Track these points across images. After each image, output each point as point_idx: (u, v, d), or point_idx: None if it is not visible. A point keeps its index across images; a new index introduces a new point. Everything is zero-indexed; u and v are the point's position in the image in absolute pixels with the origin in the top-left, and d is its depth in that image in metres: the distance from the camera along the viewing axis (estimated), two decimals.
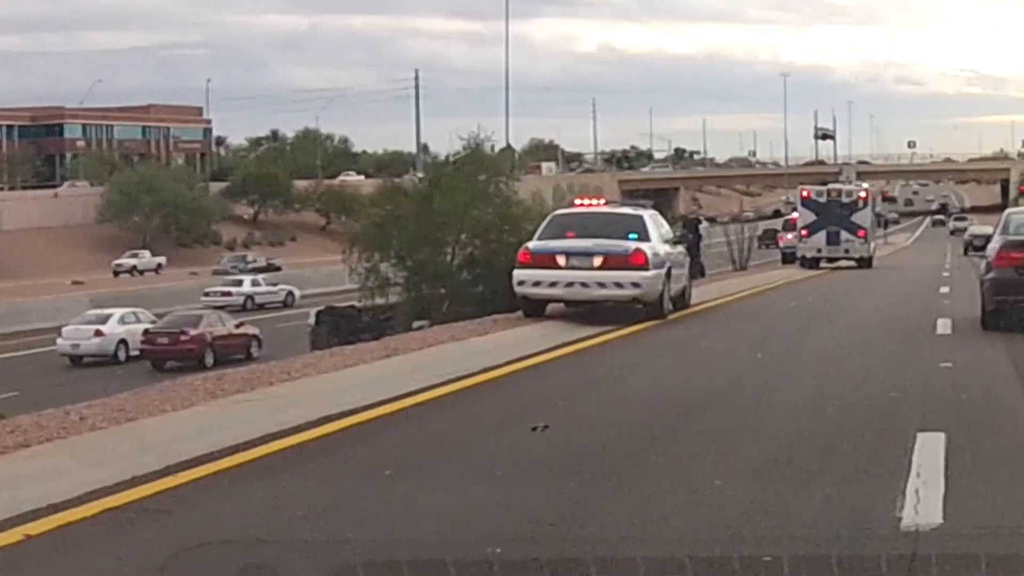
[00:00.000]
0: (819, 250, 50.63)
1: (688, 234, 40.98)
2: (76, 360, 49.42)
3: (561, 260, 21.91)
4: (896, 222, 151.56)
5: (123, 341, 49.80)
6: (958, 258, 66.02)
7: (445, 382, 14.16)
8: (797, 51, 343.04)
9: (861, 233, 50.36)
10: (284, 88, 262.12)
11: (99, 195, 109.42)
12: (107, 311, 52.12)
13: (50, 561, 7.01)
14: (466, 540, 7.09)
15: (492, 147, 48.57)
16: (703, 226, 72.02)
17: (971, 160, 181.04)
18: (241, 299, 71.02)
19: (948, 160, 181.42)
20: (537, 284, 21.91)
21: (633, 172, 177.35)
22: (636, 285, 21.61)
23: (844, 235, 50.35)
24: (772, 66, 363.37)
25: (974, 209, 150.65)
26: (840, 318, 23.08)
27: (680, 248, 24.82)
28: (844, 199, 51.03)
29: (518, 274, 22.31)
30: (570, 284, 21.69)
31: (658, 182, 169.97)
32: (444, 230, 39.76)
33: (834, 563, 6.31)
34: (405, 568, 6.55)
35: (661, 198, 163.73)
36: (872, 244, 52.32)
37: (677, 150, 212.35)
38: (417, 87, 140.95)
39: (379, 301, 41.85)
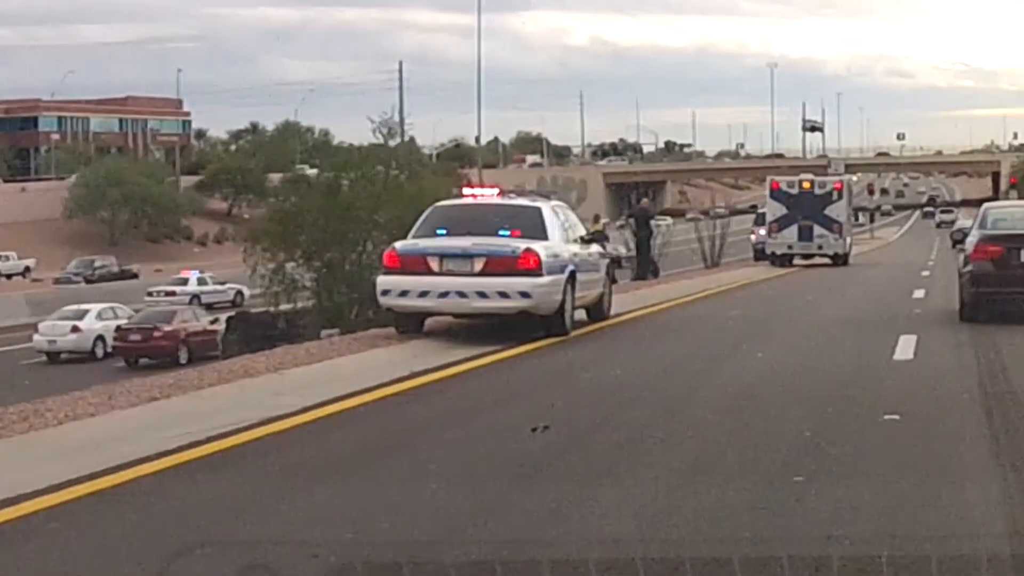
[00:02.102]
0: (790, 247, 45.96)
1: (637, 228, 36.77)
2: (53, 356, 48.57)
3: (434, 263, 17.65)
4: (890, 214, 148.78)
5: (100, 337, 49.27)
6: (945, 252, 61.66)
7: (179, 448, 9.92)
8: (789, 44, 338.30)
9: (836, 228, 45.72)
10: (275, 81, 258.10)
11: (65, 189, 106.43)
12: (84, 306, 51.34)
13: None
14: None
15: (405, 137, 43.77)
16: (666, 222, 67.88)
17: (962, 153, 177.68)
18: (187, 299, 67.67)
19: (939, 153, 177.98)
20: (404, 294, 17.66)
21: (616, 165, 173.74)
22: (525, 295, 17.32)
23: (817, 230, 45.64)
24: (764, 59, 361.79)
25: (965, 202, 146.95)
26: (779, 335, 18.71)
27: (595, 249, 20.52)
28: (817, 190, 46.31)
29: (382, 281, 18.09)
30: (444, 294, 17.43)
31: (645, 175, 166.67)
32: (354, 226, 35.27)
33: None
34: None
35: (648, 191, 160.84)
36: (848, 239, 47.60)
37: (667, 143, 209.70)
38: (401, 79, 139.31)
39: (291, 306, 37.39)
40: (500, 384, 13.69)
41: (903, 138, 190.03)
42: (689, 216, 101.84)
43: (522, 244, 17.62)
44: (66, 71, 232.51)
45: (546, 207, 18.99)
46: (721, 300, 27.15)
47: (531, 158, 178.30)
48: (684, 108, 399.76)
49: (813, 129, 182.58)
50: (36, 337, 49.60)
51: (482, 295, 17.30)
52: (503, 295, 17.28)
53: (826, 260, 45.76)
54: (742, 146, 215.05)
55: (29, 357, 48.56)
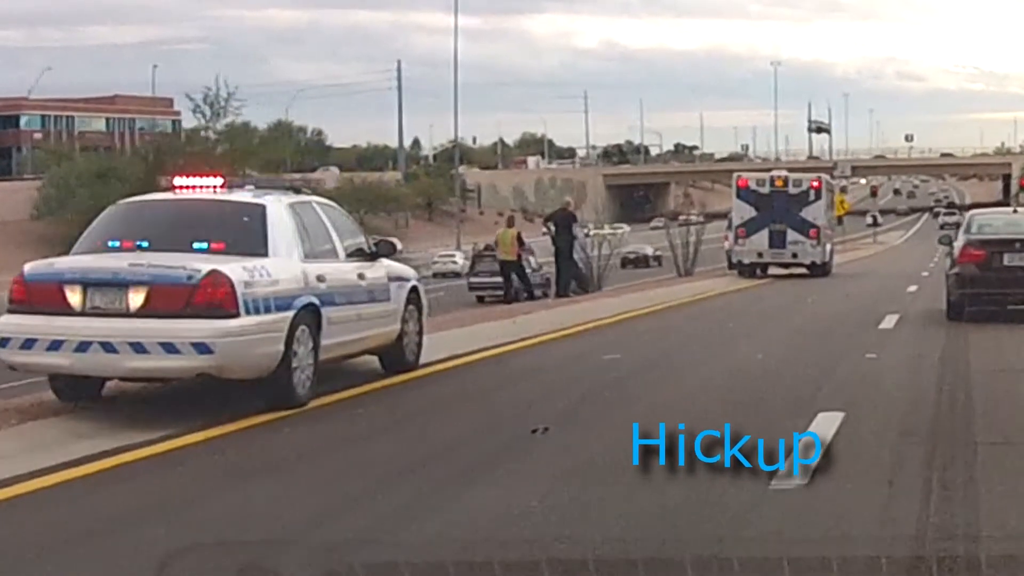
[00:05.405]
0: (760, 254, 39.03)
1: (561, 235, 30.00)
2: None
3: (74, 296, 11.00)
4: (907, 214, 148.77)
5: None
6: (946, 257, 54.75)
7: None
8: (798, 47, 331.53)
9: (812, 232, 38.77)
10: (283, 82, 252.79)
11: (35, 190, 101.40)
12: None
13: None
14: None
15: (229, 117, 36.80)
16: (623, 230, 60.72)
17: (973, 155, 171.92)
18: None
19: (950, 155, 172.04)
20: (30, 344, 11.01)
21: (619, 167, 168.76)
22: (204, 348, 10.65)
23: (791, 235, 38.72)
24: (773, 62, 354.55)
25: (975, 205, 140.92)
26: (629, 407, 11.51)
27: (384, 269, 13.80)
28: (791, 189, 39.35)
29: (2, 324, 11.45)
30: (84, 346, 10.77)
31: (647, 176, 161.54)
32: None
33: None
34: None
35: (651, 193, 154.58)
36: (828, 246, 40.56)
37: (676, 145, 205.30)
38: (400, 80, 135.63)
39: None
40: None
41: (911, 139, 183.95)
42: (653, 224, 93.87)
43: (206, 264, 10.95)
44: (44, 69, 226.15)
45: (276, 205, 12.16)
46: (622, 329, 20.48)
47: (532, 160, 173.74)
48: (693, 111, 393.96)
49: (819, 130, 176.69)
50: None
51: (139, 349, 10.66)
52: (170, 349, 10.62)
53: (803, 270, 39.11)
54: (746, 148, 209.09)
55: None
